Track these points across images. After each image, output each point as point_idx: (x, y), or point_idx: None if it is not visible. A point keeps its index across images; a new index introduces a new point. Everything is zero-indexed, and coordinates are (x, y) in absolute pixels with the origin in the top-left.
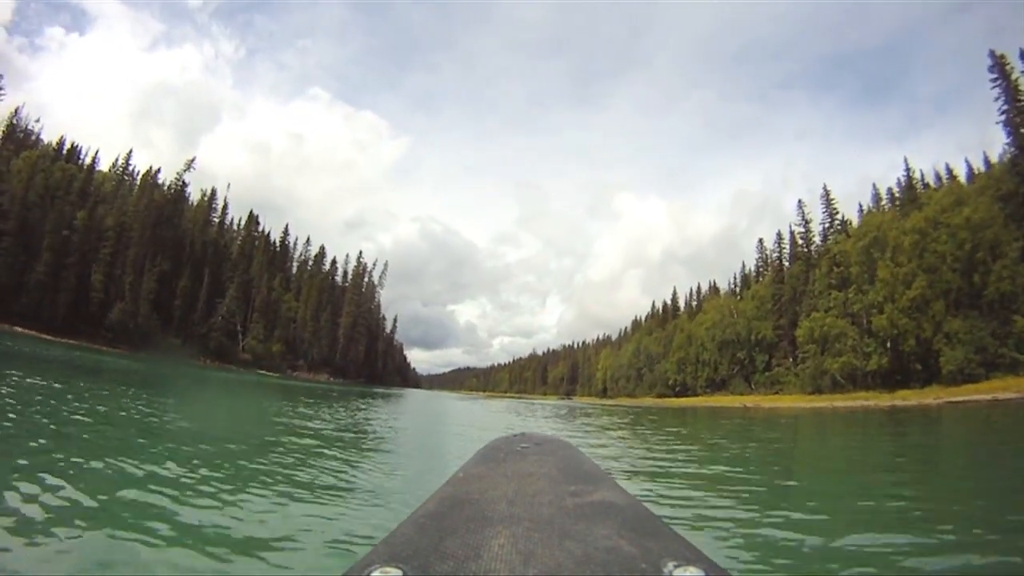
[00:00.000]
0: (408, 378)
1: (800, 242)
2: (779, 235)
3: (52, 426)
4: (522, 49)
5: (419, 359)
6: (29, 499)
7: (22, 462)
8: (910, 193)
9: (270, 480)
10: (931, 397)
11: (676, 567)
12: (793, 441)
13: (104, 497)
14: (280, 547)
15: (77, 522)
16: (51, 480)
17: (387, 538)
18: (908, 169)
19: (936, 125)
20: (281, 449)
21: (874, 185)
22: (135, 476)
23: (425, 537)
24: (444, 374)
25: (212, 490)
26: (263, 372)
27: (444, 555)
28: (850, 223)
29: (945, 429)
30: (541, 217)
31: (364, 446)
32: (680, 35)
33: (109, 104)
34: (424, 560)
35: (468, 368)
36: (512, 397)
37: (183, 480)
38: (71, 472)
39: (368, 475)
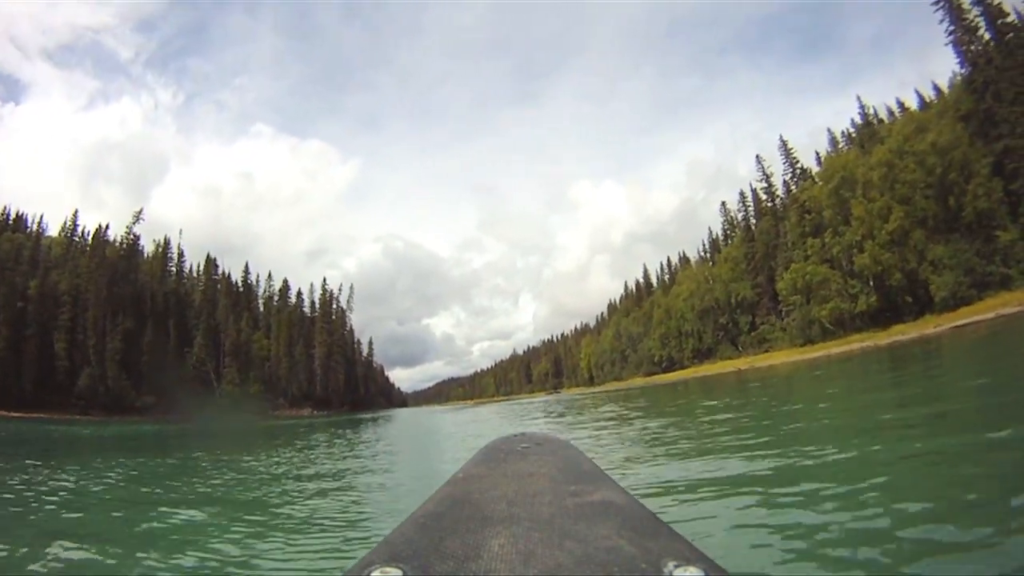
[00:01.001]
0: (393, 398)
1: (764, 197)
2: (742, 194)
3: None
4: (459, 55)
5: (402, 377)
6: None
7: None
8: (867, 130)
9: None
10: (931, 326)
11: (676, 567)
12: (791, 407)
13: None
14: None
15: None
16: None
17: (387, 538)
18: (862, 107)
19: (874, 68)
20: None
21: (829, 130)
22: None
23: (425, 537)
24: (429, 389)
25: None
26: (244, 414)
27: (444, 555)
28: (810, 171)
29: (967, 356)
30: (501, 219)
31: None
32: (612, 19)
33: (55, 169)
34: (424, 560)
35: (452, 379)
36: (500, 400)
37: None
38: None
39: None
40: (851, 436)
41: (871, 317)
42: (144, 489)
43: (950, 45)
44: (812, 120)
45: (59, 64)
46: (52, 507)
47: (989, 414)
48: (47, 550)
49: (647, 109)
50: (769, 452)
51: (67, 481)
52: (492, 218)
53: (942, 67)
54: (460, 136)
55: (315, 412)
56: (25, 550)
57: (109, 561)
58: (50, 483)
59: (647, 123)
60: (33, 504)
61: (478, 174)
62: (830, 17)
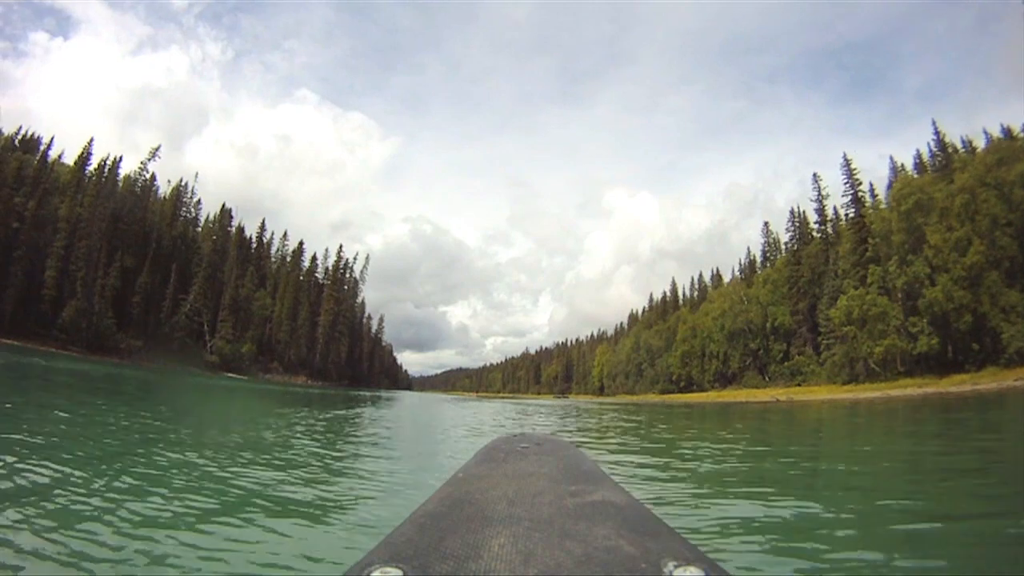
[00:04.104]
0: (399, 380)
1: (814, 219)
2: (792, 213)
3: None
4: (508, 48)
5: (411, 361)
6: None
7: None
8: (940, 158)
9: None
10: (1010, 378)
11: (676, 567)
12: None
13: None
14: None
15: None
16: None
17: (387, 538)
18: (938, 132)
19: (920, 118)
20: None
21: (891, 158)
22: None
23: (425, 537)
24: (436, 375)
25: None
26: (231, 375)
27: (444, 555)
28: (864, 198)
29: None
30: (532, 215)
31: None
32: (665, 31)
33: (95, 108)
34: (424, 560)
35: (460, 369)
36: (505, 397)
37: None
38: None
39: None
40: None
41: (924, 362)
42: None
43: None
44: (854, 161)
45: (113, 5)
46: None
47: None
48: None
49: (690, 125)
50: None
51: None
52: (523, 214)
53: (990, 123)
54: (499, 129)
55: (309, 381)
56: None
57: None
58: None
59: (688, 140)
60: None
61: (513, 169)
62: (883, 60)
